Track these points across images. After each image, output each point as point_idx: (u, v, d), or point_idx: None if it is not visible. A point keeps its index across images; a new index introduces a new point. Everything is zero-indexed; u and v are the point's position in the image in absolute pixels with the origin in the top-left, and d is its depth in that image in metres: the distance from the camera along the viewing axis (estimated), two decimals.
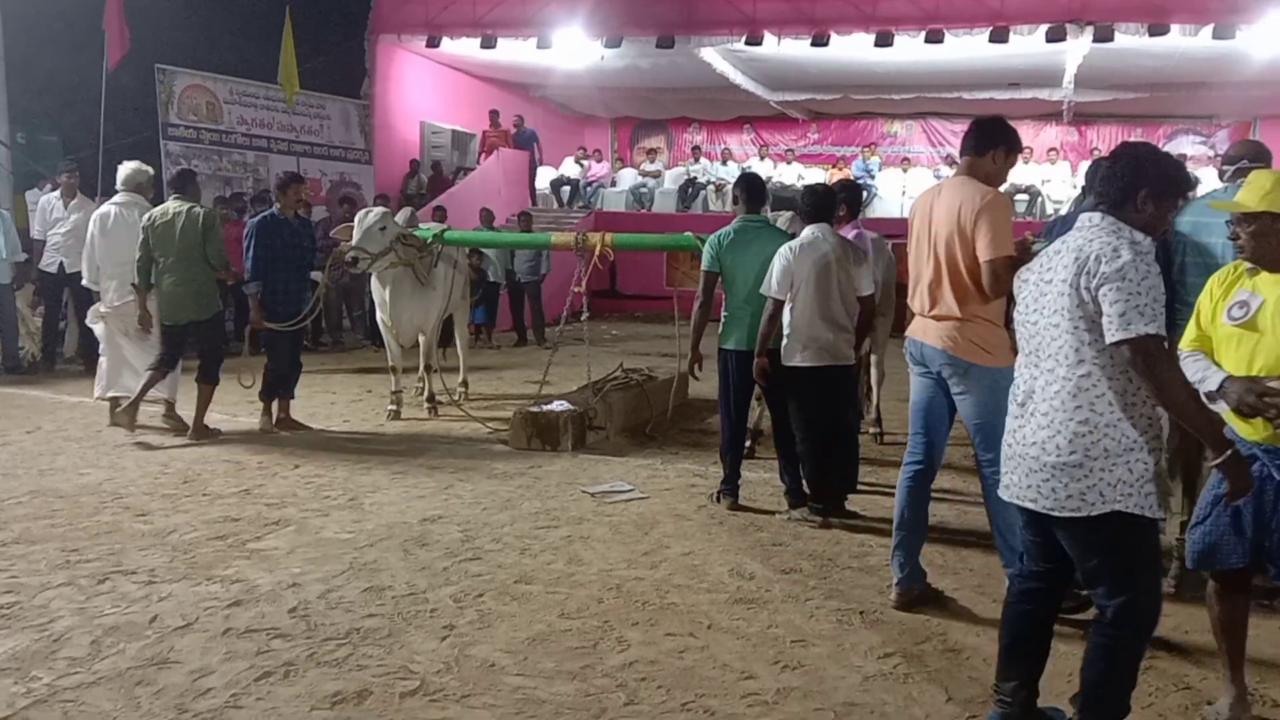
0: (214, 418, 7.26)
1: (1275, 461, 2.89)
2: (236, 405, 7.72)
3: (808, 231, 5.46)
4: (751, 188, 5.93)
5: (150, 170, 7.91)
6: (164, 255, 6.99)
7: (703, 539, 4.97)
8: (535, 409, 7.06)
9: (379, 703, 3.16)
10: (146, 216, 7.10)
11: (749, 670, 3.46)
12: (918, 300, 4.06)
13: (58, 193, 10.03)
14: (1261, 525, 2.90)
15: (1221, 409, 2.93)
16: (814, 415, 5.40)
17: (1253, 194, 2.94)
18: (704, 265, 5.75)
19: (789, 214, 6.53)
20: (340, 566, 4.41)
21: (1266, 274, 2.95)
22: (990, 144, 3.96)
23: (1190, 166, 18.50)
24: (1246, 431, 2.92)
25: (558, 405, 7.12)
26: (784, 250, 5.36)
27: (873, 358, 7.58)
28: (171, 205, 7.14)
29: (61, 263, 9.67)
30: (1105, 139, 21.42)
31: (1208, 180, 17.19)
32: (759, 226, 5.77)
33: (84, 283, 7.87)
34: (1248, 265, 3.00)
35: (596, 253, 7.27)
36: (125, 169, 7.71)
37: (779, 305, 5.32)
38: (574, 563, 4.55)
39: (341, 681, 3.29)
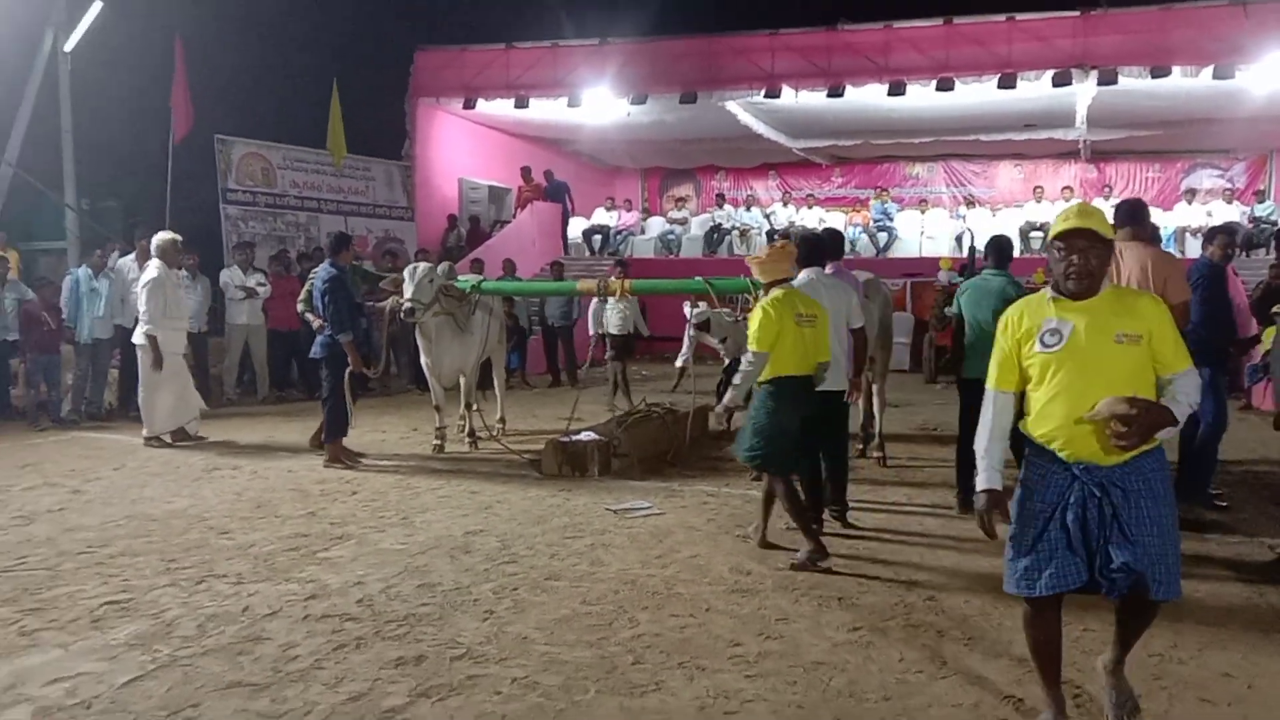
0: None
1: (1094, 479, 3.09)
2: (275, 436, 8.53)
3: (804, 274, 6.20)
4: (999, 248, 6.80)
5: (179, 239, 9.51)
6: None
7: (710, 545, 5.67)
8: (565, 439, 7.81)
9: (433, 664, 3.89)
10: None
11: (737, 640, 4.16)
12: None
13: (133, 255, 11.01)
14: (1089, 544, 3.09)
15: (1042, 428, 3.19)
16: (810, 435, 6.09)
17: (1082, 216, 3.13)
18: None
19: None
20: (397, 569, 5.16)
21: (1068, 303, 3.16)
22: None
23: (1203, 199, 19.05)
24: (1066, 451, 3.12)
25: (586, 436, 7.87)
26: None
27: (874, 387, 8.27)
28: None
29: (136, 318, 10.63)
30: (1124, 175, 21.96)
31: (1219, 213, 17.78)
32: (1000, 278, 6.54)
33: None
34: (1050, 296, 3.20)
35: (618, 297, 8.04)
36: (156, 239, 9.32)
37: None
38: (596, 564, 5.28)
39: (402, 650, 4.03)
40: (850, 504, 6.31)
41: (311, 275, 8.75)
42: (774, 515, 5.68)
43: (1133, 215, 5.90)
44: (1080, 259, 3.13)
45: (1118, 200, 7.65)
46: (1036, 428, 3.22)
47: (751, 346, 5.37)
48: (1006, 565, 3.26)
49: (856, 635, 4.22)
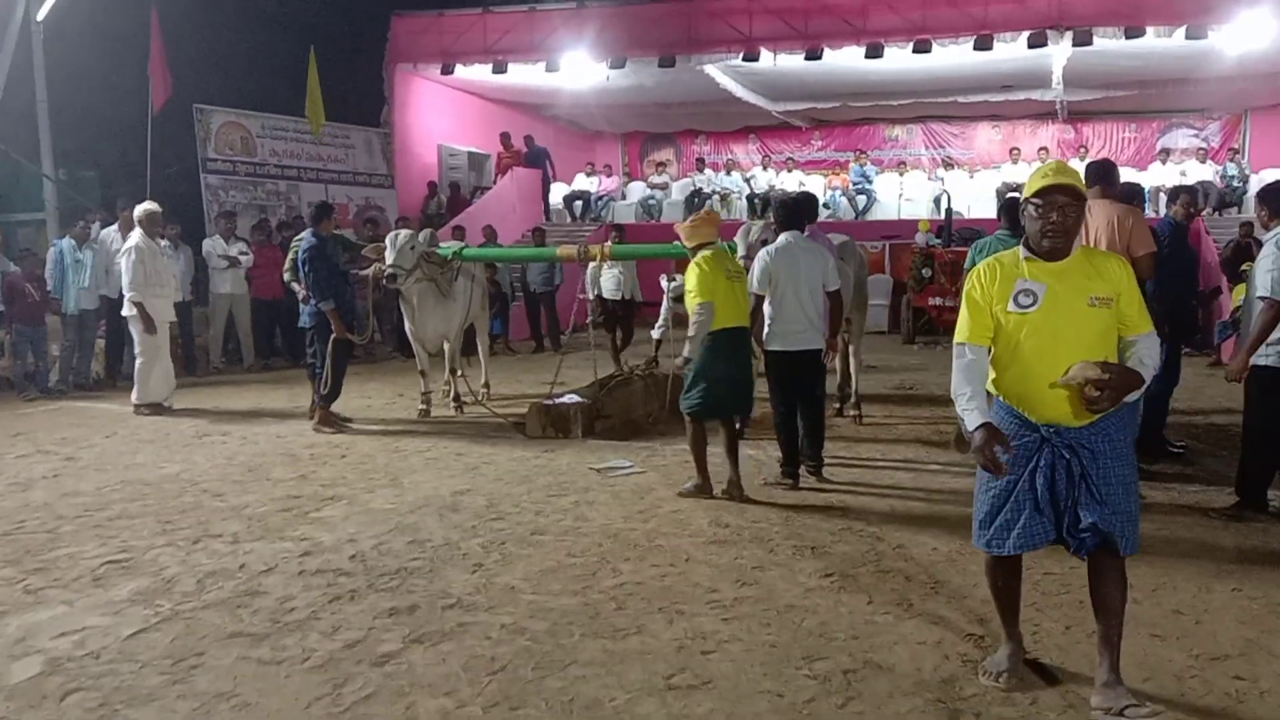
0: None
1: (1064, 441, 3.15)
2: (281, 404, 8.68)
3: (782, 238, 6.38)
4: (1011, 211, 6.95)
5: (159, 209, 9.55)
6: None
7: (690, 500, 5.87)
8: (549, 402, 7.98)
9: (425, 613, 4.08)
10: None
11: (715, 587, 4.37)
12: None
13: (115, 226, 11.05)
14: (1056, 504, 3.18)
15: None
16: (788, 392, 6.30)
17: (1061, 173, 3.16)
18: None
19: (762, 222, 7.41)
20: (387, 527, 5.35)
21: (1041, 264, 3.18)
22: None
23: (1179, 159, 19.24)
24: (1036, 413, 3.19)
25: (569, 398, 8.04)
26: (763, 254, 6.29)
27: (850, 348, 8.46)
28: None
29: (122, 290, 10.70)
30: (1100, 135, 22.12)
31: (1193, 173, 18.02)
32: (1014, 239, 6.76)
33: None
34: (1023, 255, 3.22)
35: (597, 262, 8.19)
36: (138, 210, 9.38)
37: (761, 299, 6.23)
38: (580, 520, 5.47)
39: (395, 601, 4.22)
40: (825, 460, 6.51)
41: (295, 243, 8.84)
42: (749, 466, 5.88)
43: (1103, 174, 6.18)
44: (1059, 216, 3.12)
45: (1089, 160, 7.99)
46: (1005, 389, 3.26)
47: (696, 299, 5.86)
48: (976, 524, 3.34)
49: (828, 581, 4.44)
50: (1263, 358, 5.42)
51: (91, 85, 18.37)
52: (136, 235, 9.19)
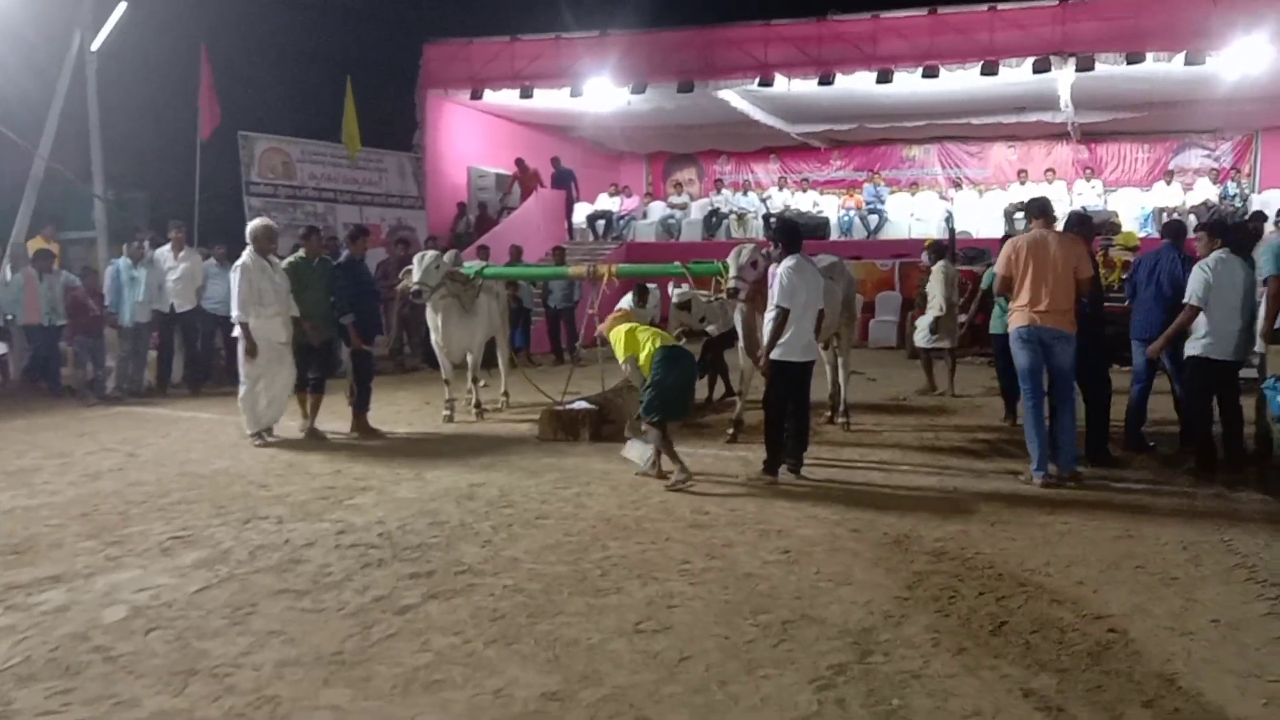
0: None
1: None
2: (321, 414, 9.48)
3: (795, 259, 7.05)
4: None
5: (273, 225, 9.09)
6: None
7: (678, 494, 6.60)
8: (560, 407, 8.75)
9: (441, 577, 4.85)
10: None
11: (687, 559, 5.11)
12: (1042, 301, 6.61)
13: (168, 246, 11.97)
14: None
15: None
16: (784, 398, 7.00)
17: None
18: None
19: (752, 245, 8.11)
20: (411, 512, 6.13)
21: None
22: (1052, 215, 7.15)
23: (1190, 179, 19.73)
24: None
25: (579, 404, 8.80)
26: (788, 272, 6.94)
27: (840, 360, 9.16)
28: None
29: (173, 304, 11.63)
30: (1114, 155, 22.64)
31: (1203, 191, 18.54)
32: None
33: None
34: None
35: (605, 281, 8.99)
36: (249, 226, 8.88)
37: (786, 313, 6.90)
38: (579, 507, 6.23)
39: (416, 568, 5.00)
40: (806, 461, 7.21)
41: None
42: (737, 465, 6.58)
43: (1044, 210, 7.07)
44: None
45: (1030, 195, 8.66)
46: None
47: (622, 355, 7.36)
48: None
49: (786, 556, 5.16)
50: (1192, 348, 6.85)
51: (140, 112, 19.41)
52: (247, 252, 8.51)
